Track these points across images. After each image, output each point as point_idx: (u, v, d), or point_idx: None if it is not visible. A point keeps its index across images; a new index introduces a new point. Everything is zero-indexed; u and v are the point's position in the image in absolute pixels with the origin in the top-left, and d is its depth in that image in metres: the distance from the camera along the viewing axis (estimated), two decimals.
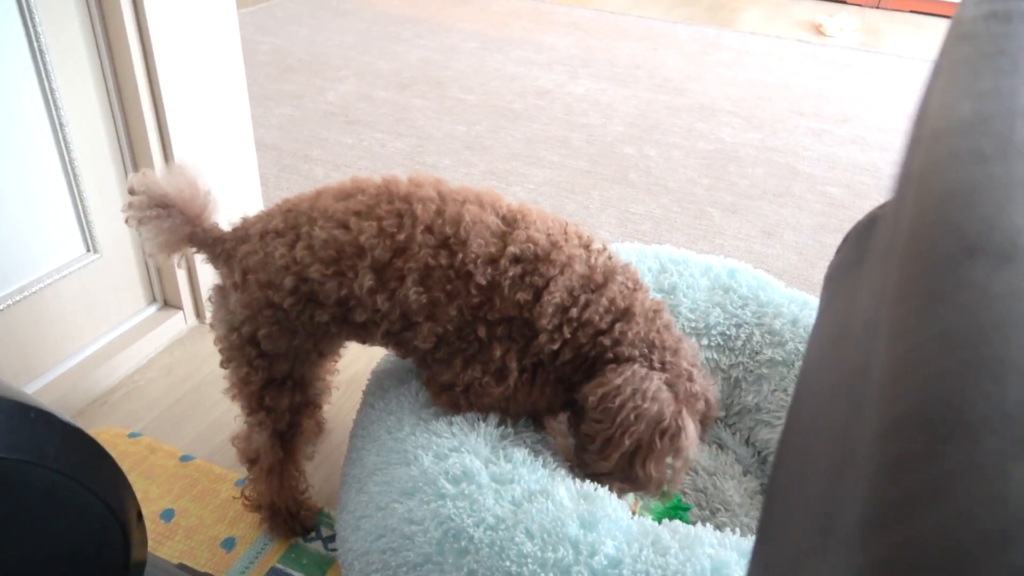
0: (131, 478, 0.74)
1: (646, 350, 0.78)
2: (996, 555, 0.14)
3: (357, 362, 1.27)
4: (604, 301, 0.77)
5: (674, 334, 0.81)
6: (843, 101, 2.52)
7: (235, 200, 1.34)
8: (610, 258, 0.81)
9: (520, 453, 0.78)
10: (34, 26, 0.99)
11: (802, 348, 1.04)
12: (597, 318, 0.77)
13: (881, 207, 0.35)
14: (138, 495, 0.76)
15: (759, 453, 1.07)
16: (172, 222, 0.82)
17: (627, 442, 0.75)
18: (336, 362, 1.04)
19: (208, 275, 0.91)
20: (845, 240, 0.40)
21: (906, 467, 0.17)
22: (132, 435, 1.12)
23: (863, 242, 0.34)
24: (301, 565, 0.94)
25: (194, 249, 0.85)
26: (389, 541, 0.74)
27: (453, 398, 0.81)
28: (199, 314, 1.36)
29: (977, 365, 0.17)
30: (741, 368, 1.07)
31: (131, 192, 0.82)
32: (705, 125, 2.29)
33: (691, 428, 0.78)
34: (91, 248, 1.17)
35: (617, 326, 0.77)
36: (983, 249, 0.19)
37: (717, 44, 3.06)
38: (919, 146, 0.26)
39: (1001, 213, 0.20)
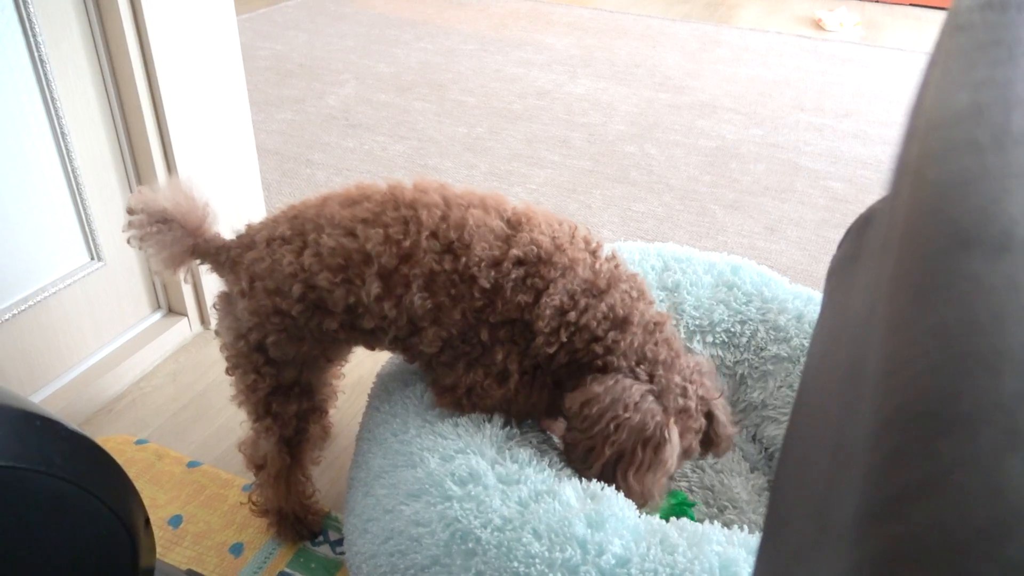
0: (138, 485, 0.74)
1: (634, 363, 0.77)
2: (993, 548, 0.14)
3: (362, 366, 1.28)
4: (603, 307, 0.76)
5: (674, 348, 0.80)
6: (844, 96, 2.52)
7: (237, 206, 1.35)
8: (617, 266, 0.80)
9: (526, 453, 0.78)
10: (34, 36, 1.00)
11: (807, 344, 1.04)
12: (595, 324, 0.76)
13: (880, 202, 0.35)
14: (145, 502, 0.76)
15: (766, 450, 1.07)
16: (173, 236, 0.83)
17: (608, 451, 0.75)
18: (342, 367, 1.04)
19: (212, 282, 0.91)
20: (846, 235, 0.40)
21: (901, 461, 0.17)
22: (139, 442, 1.12)
23: (861, 237, 0.34)
24: (309, 569, 0.94)
25: (198, 261, 0.86)
26: (396, 543, 0.74)
27: (456, 400, 0.81)
28: (203, 320, 1.36)
29: (973, 357, 0.17)
30: (746, 365, 1.07)
31: (130, 212, 0.83)
32: (706, 122, 2.29)
33: (676, 440, 0.77)
34: (95, 256, 1.18)
35: (611, 335, 0.77)
36: (978, 240, 0.19)
37: (716, 41, 3.05)
38: (915, 138, 0.26)
39: (996, 204, 0.20)
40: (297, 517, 0.96)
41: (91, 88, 1.10)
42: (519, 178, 1.95)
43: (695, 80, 2.62)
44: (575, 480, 0.76)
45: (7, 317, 1.06)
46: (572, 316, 0.76)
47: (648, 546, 0.68)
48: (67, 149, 1.08)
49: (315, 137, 2.14)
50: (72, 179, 1.10)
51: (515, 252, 0.76)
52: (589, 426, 0.75)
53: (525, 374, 0.78)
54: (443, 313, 0.77)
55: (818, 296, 1.08)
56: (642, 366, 0.77)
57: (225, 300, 0.85)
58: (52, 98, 1.04)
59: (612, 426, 0.74)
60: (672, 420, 0.77)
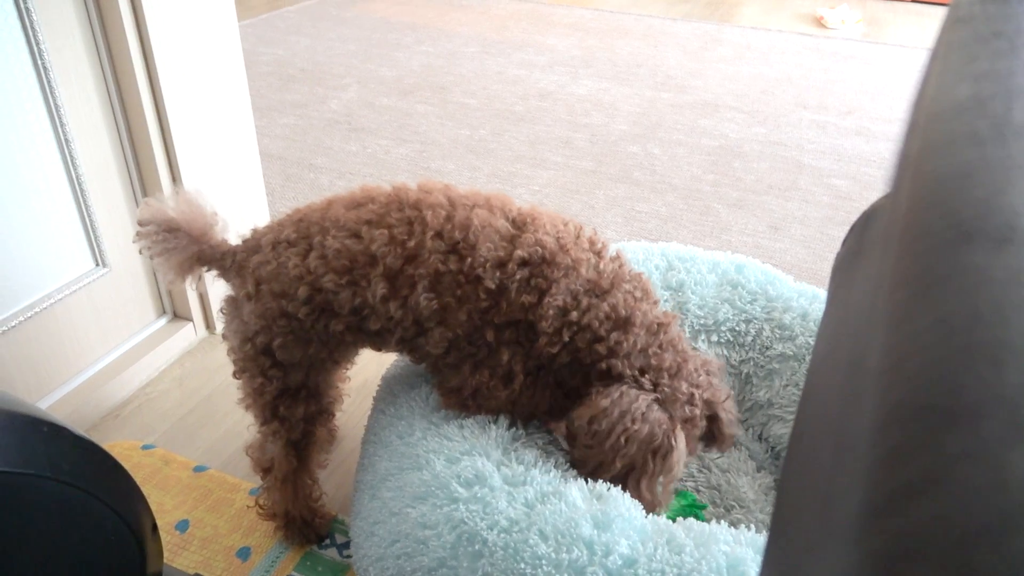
0: (145, 490, 0.74)
1: (638, 371, 0.77)
2: (997, 543, 0.14)
3: (367, 368, 1.28)
4: (605, 307, 0.76)
5: (679, 351, 0.79)
6: (846, 93, 2.51)
7: (241, 210, 1.35)
8: (621, 266, 0.80)
9: (531, 455, 0.78)
10: (37, 43, 1.00)
11: (812, 342, 1.03)
12: (596, 324, 0.76)
13: (882, 198, 0.35)
14: (153, 507, 0.76)
15: (772, 449, 1.06)
16: (178, 243, 0.84)
17: (619, 464, 0.75)
18: (348, 369, 1.04)
19: (217, 286, 0.91)
20: (849, 232, 0.40)
21: (904, 456, 0.17)
22: (145, 447, 1.12)
23: (864, 233, 0.34)
24: (316, 573, 0.94)
25: (205, 268, 0.86)
26: (403, 546, 0.74)
27: (461, 401, 0.81)
28: (209, 325, 1.37)
29: (975, 350, 0.17)
30: (752, 364, 1.07)
31: (140, 224, 0.84)
32: (708, 121, 2.28)
33: (682, 446, 0.77)
34: (100, 262, 1.18)
35: (613, 335, 0.76)
36: (980, 232, 0.19)
37: (718, 40, 3.05)
38: (916, 130, 0.26)
39: (998, 196, 0.20)
40: (304, 521, 0.96)
41: (94, 95, 1.10)
42: (522, 180, 1.95)
43: (697, 79, 2.62)
44: (581, 481, 0.75)
45: (14, 324, 1.07)
46: (574, 316, 0.76)
47: (655, 546, 0.67)
48: (71, 155, 1.08)
49: (318, 141, 2.14)
50: (76, 185, 1.11)
51: (520, 253, 0.76)
52: (599, 441, 0.75)
53: (529, 375, 0.78)
54: (449, 314, 0.77)
55: (823, 294, 1.07)
56: (647, 375, 0.77)
57: (232, 304, 0.85)
58: (55, 105, 1.04)
59: (622, 440, 0.74)
60: (678, 427, 0.77)
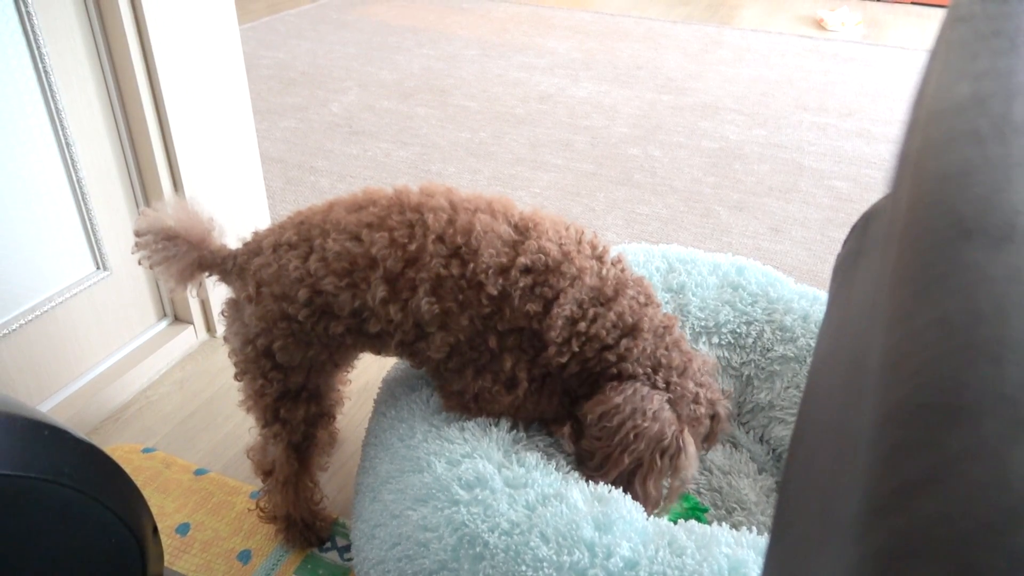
0: (146, 493, 0.74)
1: (650, 369, 0.77)
2: (999, 540, 0.14)
3: (368, 371, 1.28)
4: (612, 316, 0.76)
5: (684, 351, 0.80)
6: (847, 95, 2.51)
7: (242, 213, 1.35)
8: (623, 271, 0.80)
9: (533, 457, 0.78)
10: (38, 47, 1.00)
11: (813, 344, 1.03)
12: (604, 333, 0.76)
13: (883, 199, 0.35)
14: (153, 510, 0.76)
15: (774, 451, 1.06)
16: (178, 250, 0.84)
17: (627, 460, 0.75)
18: (349, 372, 1.04)
19: (218, 289, 0.91)
20: (850, 233, 0.39)
21: (905, 454, 0.17)
22: (146, 450, 1.12)
23: (864, 233, 0.34)
24: (317, 575, 0.94)
25: (206, 273, 0.86)
26: (404, 549, 0.74)
27: (463, 404, 0.81)
28: (209, 328, 1.37)
29: (975, 348, 0.17)
30: (753, 366, 1.07)
31: (138, 234, 0.84)
32: (709, 124, 2.29)
33: (692, 449, 0.77)
34: (100, 265, 1.18)
35: (623, 342, 0.76)
36: (980, 231, 0.19)
37: (718, 42, 3.05)
38: (916, 129, 0.26)
39: (998, 194, 0.20)
40: (305, 523, 0.96)
41: (95, 98, 1.10)
42: (522, 182, 1.95)
43: (697, 81, 2.62)
44: (582, 483, 0.75)
45: (15, 327, 1.07)
46: (582, 326, 0.76)
47: (656, 548, 0.67)
48: (72, 159, 1.08)
49: (319, 144, 2.14)
50: (77, 189, 1.11)
51: (523, 260, 0.76)
52: (608, 435, 0.75)
53: (534, 381, 0.78)
54: (451, 319, 0.77)
55: (823, 296, 1.07)
56: (659, 373, 0.77)
57: (233, 306, 0.85)
58: (57, 109, 1.04)
59: (632, 435, 0.74)
60: (686, 429, 0.77)
